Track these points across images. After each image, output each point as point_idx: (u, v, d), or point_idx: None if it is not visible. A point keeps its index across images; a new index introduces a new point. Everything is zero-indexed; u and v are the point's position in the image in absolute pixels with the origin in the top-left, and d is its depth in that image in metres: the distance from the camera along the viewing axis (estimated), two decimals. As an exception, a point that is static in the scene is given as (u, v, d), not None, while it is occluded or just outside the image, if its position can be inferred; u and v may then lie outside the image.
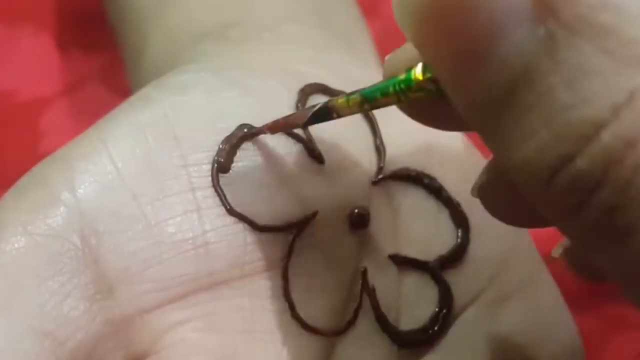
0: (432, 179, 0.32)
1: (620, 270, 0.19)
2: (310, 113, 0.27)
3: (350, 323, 0.29)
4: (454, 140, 0.33)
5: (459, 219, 0.32)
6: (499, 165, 0.20)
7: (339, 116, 0.26)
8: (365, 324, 0.30)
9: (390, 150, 0.32)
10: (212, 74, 0.30)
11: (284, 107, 0.30)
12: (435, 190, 0.32)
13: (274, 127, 0.28)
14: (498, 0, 0.19)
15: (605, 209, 0.18)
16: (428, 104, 0.23)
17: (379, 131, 0.32)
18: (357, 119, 0.31)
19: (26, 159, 0.29)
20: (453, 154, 0.33)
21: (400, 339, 0.30)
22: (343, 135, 0.31)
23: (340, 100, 0.26)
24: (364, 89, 0.25)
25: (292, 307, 0.28)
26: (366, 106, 0.25)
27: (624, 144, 0.18)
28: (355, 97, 0.25)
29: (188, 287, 0.27)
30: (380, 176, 0.31)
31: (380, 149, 0.31)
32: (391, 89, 0.24)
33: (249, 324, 0.28)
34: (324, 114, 0.26)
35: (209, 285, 0.27)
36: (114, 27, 0.43)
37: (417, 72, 0.23)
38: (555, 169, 0.19)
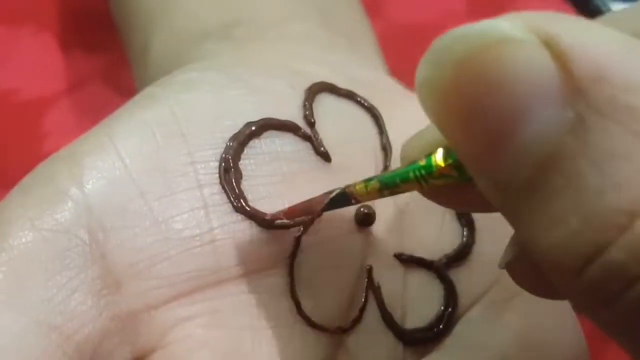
0: None
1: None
2: (328, 199, 0.26)
3: (356, 321, 0.29)
4: None
5: (465, 218, 0.32)
6: (525, 247, 0.19)
7: (357, 202, 0.26)
8: (371, 322, 0.30)
9: (397, 148, 0.31)
10: (218, 72, 0.30)
11: (289, 105, 0.30)
12: None
13: (291, 213, 0.28)
14: (526, 81, 0.18)
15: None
16: (451, 188, 0.22)
17: (386, 130, 0.32)
18: (363, 118, 0.32)
19: (29, 159, 0.29)
20: None
21: (406, 337, 0.30)
22: (350, 134, 0.31)
23: (359, 186, 0.25)
24: (382, 175, 0.24)
25: (298, 304, 0.28)
26: (386, 192, 0.25)
27: None
28: (374, 184, 0.25)
29: (194, 284, 0.27)
30: None
31: (386, 148, 0.31)
32: (411, 175, 0.23)
33: (255, 321, 0.27)
34: (342, 200, 0.26)
35: (215, 282, 0.27)
36: (119, 27, 0.43)
37: (438, 158, 0.22)
38: (586, 259, 0.18)
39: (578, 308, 0.20)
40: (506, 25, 0.18)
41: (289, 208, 0.28)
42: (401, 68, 0.39)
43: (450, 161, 0.21)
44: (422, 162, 0.22)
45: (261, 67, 0.31)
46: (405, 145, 0.24)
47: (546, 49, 0.18)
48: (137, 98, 0.29)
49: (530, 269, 0.24)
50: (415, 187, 0.23)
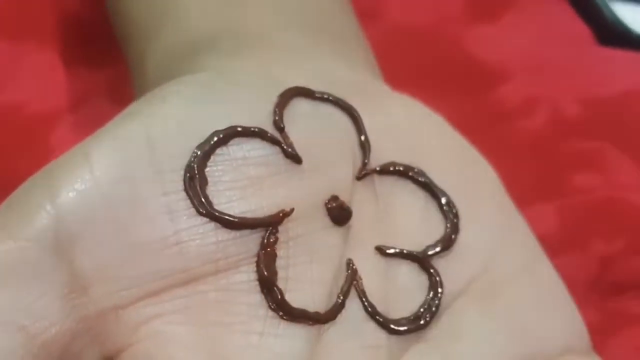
0: (419, 172, 0.32)
1: None
2: None
3: (338, 310, 0.29)
4: (442, 132, 0.34)
5: (448, 209, 0.32)
6: None
7: None
8: (353, 313, 0.30)
9: (376, 147, 0.32)
10: (193, 85, 0.31)
11: (261, 113, 0.30)
12: (422, 183, 0.32)
13: None
14: None
15: None
16: None
17: (364, 128, 0.32)
18: (340, 119, 0.32)
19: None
20: (441, 145, 0.33)
21: (390, 327, 0.30)
22: (324, 135, 0.31)
23: None
24: None
25: (273, 296, 0.29)
26: None
27: None
28: None
29: (162, 284, 0.28)
30: (365, 172, 0.32)
31: (365, 146, 0.32)
32: None
33: (226, 317, 0.28)
34: None
35: (183, 282, 0.28)
36: (119, 39, 0.44)
37: None
38: None
39: None
40: None
41: None
42: (399, 71, 0.39)
43: None
44: None
45: (239, 77, 0.32)
46: None
47: None
48: (119, 115, 0.30)
49: None
50: None
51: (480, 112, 0.45)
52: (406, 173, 0.32)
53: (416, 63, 0.48)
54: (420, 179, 0.32)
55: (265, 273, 0.28)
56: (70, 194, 0.27)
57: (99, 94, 0.48)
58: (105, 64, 0.49)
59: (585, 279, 0.41)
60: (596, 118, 0.44)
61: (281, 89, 0.31)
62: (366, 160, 0.32)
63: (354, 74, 0.36)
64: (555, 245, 0.34)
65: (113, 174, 0.28)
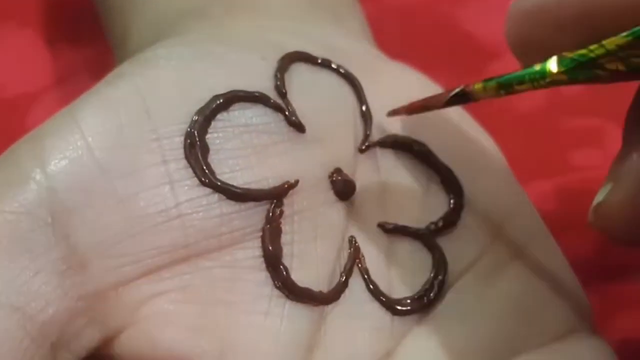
0: (421, 144, 0.31)
1: None
2: (447, 97, 0.28)
3: (341, 290, 0.28)
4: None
5: (451, 184, 0.31)
6: None
7: (475, 100, 0.28)
8: (356, 293, 0.29)
9: (377, 117, 0.31)
10: (185, 46, 0.30)
11: (261, 76, 0.29)
12: (425, 156, 0.31)
13: (411, 108, 0.29)
14: None
15: None
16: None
17: (365, 98, 0.31)
18: (341, 87, 0.31)
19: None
20: (443, 119, 0.32)
21: (394, 307, 0.29)
22: (326, 103, 0.30)
23: (478, 85, 0.27)
24: (501, 76, 0.27)
25: (279, 274, 0.27)
26: (502, 92, 0.27)
27: None
28: (492, 84, 0.27)
29: (163, 260, 0.26)
30: (367, 144, 0.30)
31: (366, 117, 0.31)
32: (526, 78, 0.26)
33: (229, 295, 0.27)
34: (462, 98, 0.28)
35: (185, 257, 0.26)
36: (100, 15, 0.42)
37: (552, 67, 0.25)
38: None
39: None
40: None
41: (410, 103, 0.29)
42: (392, 47, 0.38)
43: (562, 69, 0.25)
44: (537, 68, 0.25)
45: (233, 40, 0.31)
46: (513, 39, 0.27)
47: None
48: (106, 78, 0.28)
49: (631, 198, 0.24)
50: (529, 89, 0.26)
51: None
52: (409, 146, 0.31)
53: (409, 40, 0.48)
54: (422, 152, 0.31)
55: (271, 249, 0.27)
56: (62, 162, 0.26)
57: (81, 72, 0.47)
58: (87, 41, 0.48)
59: (584, 260, 0.40)
60: (595, 95, 0.44)
61: (281, 53, 0.30)
62: (368, 132, 0.31)
63: (351, 42, 0.34)
64: (554, 225, 0.34)
65: (107, 140, 0.26)
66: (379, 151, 0.31)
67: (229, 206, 0.27)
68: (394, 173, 0.31)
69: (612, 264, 0.40)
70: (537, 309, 0.31)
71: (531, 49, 0.27)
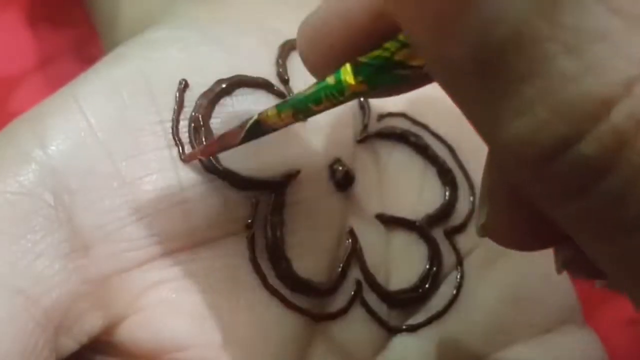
0: (418, 136, 0.31)
1: (618, 265, 0.17)
2: (243, 131, 0.25)
3: (339, 282, 0.28)
4: (439, 92, 0.32)
5: (446, 176, 0.31)
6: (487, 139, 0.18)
7: (274, 129, 0.24)
8: (353, 284, 0.29)
9: (375, 107, 0.31)
10: (188, 29, 0.29)
11: (263, 62, 0.29)
12: (421, 148, 0.31)
13: (208, 151, 0.26)
14: None
15: (610, 198, 0.16)
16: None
17: None
18: None
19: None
20: (439, 102, 0.32)
21: (390, 299, 0.29)
22: None
23: (271, 112, 0.24)
24: (294, 97, 0.23)
25: (280, 264, 0.27)
26: (300, 117, 0.24)
27: (637, 125, 0.15)
28: (287, 110, 0.23)
29: (167, 247, 0.26)
30: (365, 134, 0.30)
31: (364, 107, 0.30)
32: (323, 96, 0.22)
33: (231, 284, 0.27)
34: (259, 130, 0.25)
35: (189, 245, 0.26)
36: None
37: (348, 77, 0.21)
38: (553, 151, 0.16)
39: (544, 209, 0.17)
40: None
41: (204, 146, 0.26)
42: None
43: (360, 78, 0.21)
44: (332, 81, 0.21)
45: (234, 24, 0.30)
46: (306, 52, 0.23)
47: None
48: (106, 58, 0.28)
49: (507, 219, 0.22)
50: (329, 107, 0.22)
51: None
52: (405, 137, 0.31)
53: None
54: (419, 144, 0.31)
55: (274, 239, 0.27)
56: (64, 143, 0.25)
57: (64, 54, 0.46)
58: (71, 21, 0.47)
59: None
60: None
61: (281, 39, 0.29)
62: (366, 122, 0.30)
63: None
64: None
65: (110, 121, 0.26)
66: (376, 142, 0.31)
67: (233, 194, 0.27)
68: (391, 164, 0.31)
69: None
70: (528, 301, 0.31)
71: (330, 66, 0.22)
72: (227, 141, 0.25)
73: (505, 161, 0.17)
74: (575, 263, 0.24)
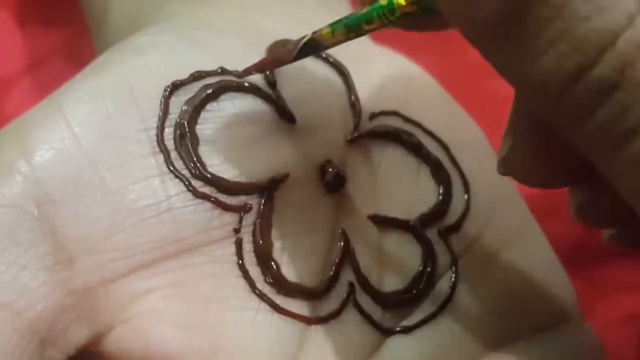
0: (411, 135, 0.31)
1: (622, 179, 0.21)
2: (296, 49, 0.26)
3: (331, 284, 0.28)
4: (427, 86, 0.33)
5: (440, 175, 0.31)
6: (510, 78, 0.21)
7: (326, 48, 0.26)
8: (345, 287, 0.28)
9: (365, 104, 0.30)
10: (173, 33, 0.29)
11: (245, 64, 0.28)
12: (414, 147, 0.31)
13: (261, 66, 0.27)
14: None
15: (617, 109, 0.20)
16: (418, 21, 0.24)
17: (354, 87, 0.30)
18: (330, 76, 0.30)
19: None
20: (429, 102, 0.32)
21: (384, 301, 0.29)
22: (315, 93, 0.30)
23: (325, 31, 0.25)
24: (347, 17, 0.25)
25: (269, 269, 0.27)
26: (352, 35, 0.25)
27: (638, 48, 0.19)
28: (340, 27, 0.25)
29: (154, 255, 0.26)
30: (356, 134, 0.30)
31: (355, 106, 0.30)
32: (375, 15, 0.24)
33: (220, 291, 0.26)
34: (311, 47, 0.26)
35: (176, 253, 0.26)
36: None
37: None
38: (572, 78, 0.20)
39: (561, 127, 0.21)
40: None
41: (258, 62, 0.27)
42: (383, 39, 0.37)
43: None
44: (384, 2, 0.24)
45: (219, 26, 0.30)
46: None
47: None
48: (90, 66, 0.28)
49: (528, 149, 0.25)
50: (380, 27, 0.24)
51: (455, 70, 0.44)
52: (398, 136, 0.30)
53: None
54: (412, 142, 0.31)
55: (262, 244, 0.27)
56: (48, 153, 0.25)
57: (56, 55, 0.46)
58: (61, 23, 0.46)
59: (567, 246, 0.40)
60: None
61: (268, 41, 0.29)
62: (357, 121, 0.30)
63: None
64: (536, 210, 0.33)
65: (94, 130, 0.25)
66: (368, 141, 0.30)
67: (220, 199, 0.26)
68: (383, 164, 0.30)
69: (595, 249, 0.40)
70: (526, 300, 0.30)
71: None
72: (280, 58, 0.27)
73: (532, 94, 0.21)
74: (587, 208, 0.27)
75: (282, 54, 0.26)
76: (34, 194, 0.24)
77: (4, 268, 0.24)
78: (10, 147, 0.25)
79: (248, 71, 0.27)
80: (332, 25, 0.25)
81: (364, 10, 0.24)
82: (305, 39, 0.26)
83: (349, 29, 0.25)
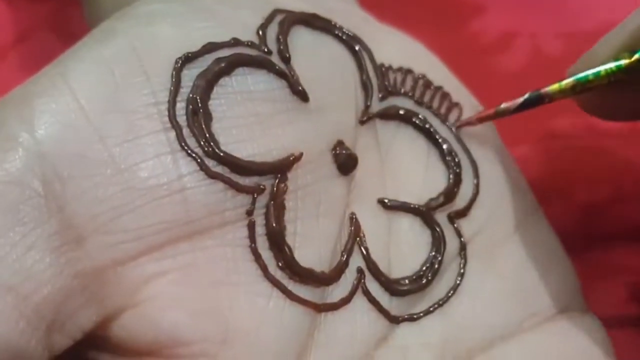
0: (421, 118, 0.30)
1: None
2: (519, 102, 0.29)
3: (342, 270, 0.27)
4: (434, 66, 0.32)
5: (450, 158, 0.30)
6: None
7: (550, 101, 0.29)
8: (356, 272, 0.28)
9: (376, 86, 0.30)
10: (182, 2, 0.27)
11: (257, 35, 0.27)
12: (425, 130, 0.30)
13: (481, 118, 0.30)
14: None
15: None
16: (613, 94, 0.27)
17: (366, 66, 0.29)
18: (341, 54, 0.29)
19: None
20: (437, 81, 0.31)
21: (393, 288, 0.28)
22: (327, 71, 0.28)
23: (553, 87, 0.29)
24: (577, 75, 0.28)
25: (282, 253, 0.26)
26: (578, 88, 0.28)
27: None
28: (568, 82, 0.28)
29: (165, 237, 0.24)
30: (368, 115, 0.29)
31: (367, 86, 0.29)
32: (602, 72, 0.27)
33: (232, 275, 0.25)
34: (535, 101, 0.29)
35: (188, 235, 0.25)
36: None
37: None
38: None
39: None
40: None
41: (480, 112, 0.31)
42: (369, 3, 0.37)
43: (637, 56, 0.27)
44: (613, 64, 0.27)
45: None
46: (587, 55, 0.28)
47: None
48: (95, 32, 0.26)
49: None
50: (604, 82, 0.28)
51: (454, 47, 0.43)
52: (409, 118, 0.30)
53: (400, 9, 0.46)
54: (422, 125, 0.30)
55: (275, 227, 0.26)
56: (53, 126, 0.23)
57: (42, 28, 0.44)
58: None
59: (568, 230, 0.39)
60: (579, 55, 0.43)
61: (280, 14, 0.28)
62: (369, 103, 0.29)
63: (340, 3, 0.32)
64: (538, 193, 0.33)
65: (102, 103, 0.24)
66: (378, 123, 0.29)
67: (233, 180, 0.25)
68: (394, 146, 0.29)
69: (595, 233, 0.40)
70: (531, 289, 0.30)
71: None
72: (503, 111, 0.30)
73: None
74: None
75: (505, 109, 0.30)
76: (39, 169, 0.23)
77: (9, 249, 0.22)
78: (11, 118, 0.23)
79: (466, 123, 0.30)
80: (560, 82, 0.28)
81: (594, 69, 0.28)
82: (527, 95, 0.29)
83: (577, 83, 0.28)
